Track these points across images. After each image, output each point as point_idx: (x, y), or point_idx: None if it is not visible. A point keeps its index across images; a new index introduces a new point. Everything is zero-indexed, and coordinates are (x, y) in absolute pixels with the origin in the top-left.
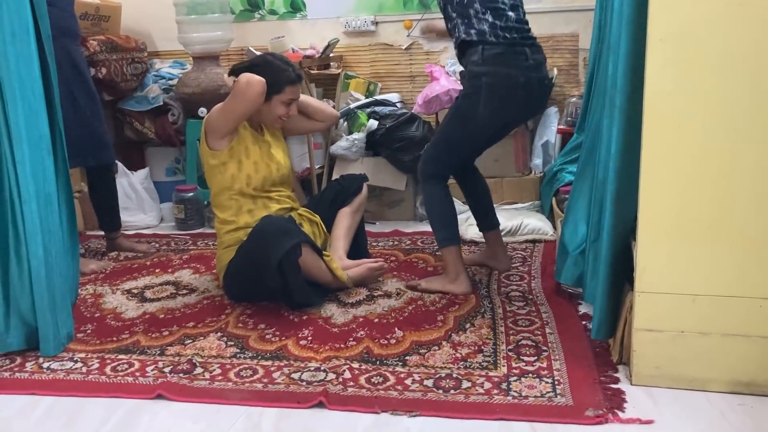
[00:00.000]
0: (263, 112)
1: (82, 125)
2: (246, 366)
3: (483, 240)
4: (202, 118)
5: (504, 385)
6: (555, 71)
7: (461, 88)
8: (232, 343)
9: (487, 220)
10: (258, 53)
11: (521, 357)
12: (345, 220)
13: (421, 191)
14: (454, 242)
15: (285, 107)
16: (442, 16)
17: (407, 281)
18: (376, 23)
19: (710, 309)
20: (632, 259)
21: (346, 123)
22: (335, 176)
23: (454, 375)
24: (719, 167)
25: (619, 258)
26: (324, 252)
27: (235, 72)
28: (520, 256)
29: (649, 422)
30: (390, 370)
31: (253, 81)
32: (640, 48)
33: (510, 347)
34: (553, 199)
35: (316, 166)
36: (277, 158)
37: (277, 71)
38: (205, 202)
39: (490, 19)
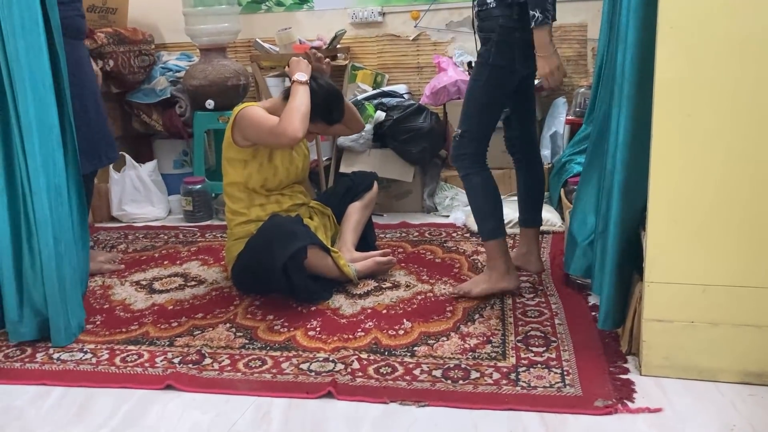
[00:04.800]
0: None
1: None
2: (255, 357)
3: None
4: (210, 110)
5: (513, 376)
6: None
7: (468, 77)
8: (241, 334)
9: (530, 215)
10: (266, 46)
11: (530, 348)
12: (355, 214)
13: (463, 185)
14: (499, 235)
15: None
16: (447, 8)
17: (454, 289)
18: (383, 14)
19: (721, 299)
20: (641, 250)
21: None
22: (342, 168)
23: (463, 365)
24: (730, 156)
25: (627, 248)
26: (332, 249)
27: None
28: None
29: (658, 410)
30: (398, 360)
31: (289, 133)
32: (648, 37)
33: (519, 338)
34: (562, 190)
35: (324, 158)
36: (296, 162)
37: (325, 104)
38: (213, 195)
39: None
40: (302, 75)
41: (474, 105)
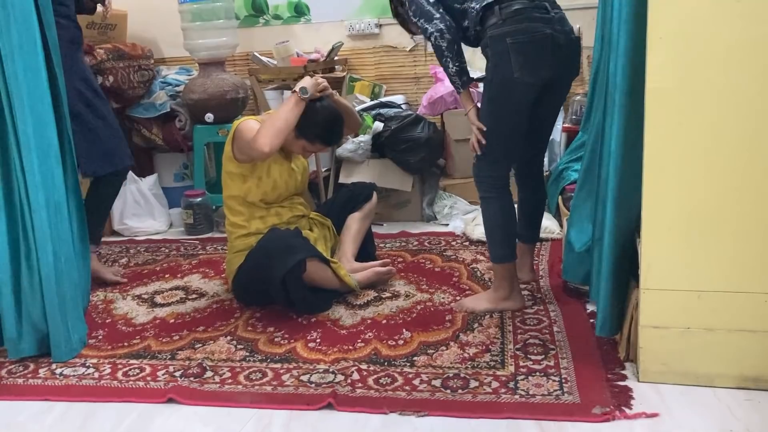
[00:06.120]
0: (286, 139)
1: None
2: (255, 369)
3: None
4: (209, 123)
5: (511, 384)
6: (578, 26)
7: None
8: (242, 346)
9: (529, 233)
10: (264, 59)
11: (529, 356)
12: (355, 224)
13: (480, 205)
14: (509, 260)
15: (302, 151)
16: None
17: (456, 306)
18: (380, 26)
19: (716, 305)
20: (637, 257)
21: None
22: (342, 179)
23: (462, 375)
24: (722, 163)
25: (623, 255)
26: (331, 259)
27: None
28: None
29: (655, 416)
30: (398, 370)
31: (259, 147)
32: (639, 46)
33: (518, 346)
34: (560, 197)
35: (323, 169)
36: (295, 176)
37: (325, 126)
38: (214, 207)
39: None
40: (299, 85)
41: (486, 126)
